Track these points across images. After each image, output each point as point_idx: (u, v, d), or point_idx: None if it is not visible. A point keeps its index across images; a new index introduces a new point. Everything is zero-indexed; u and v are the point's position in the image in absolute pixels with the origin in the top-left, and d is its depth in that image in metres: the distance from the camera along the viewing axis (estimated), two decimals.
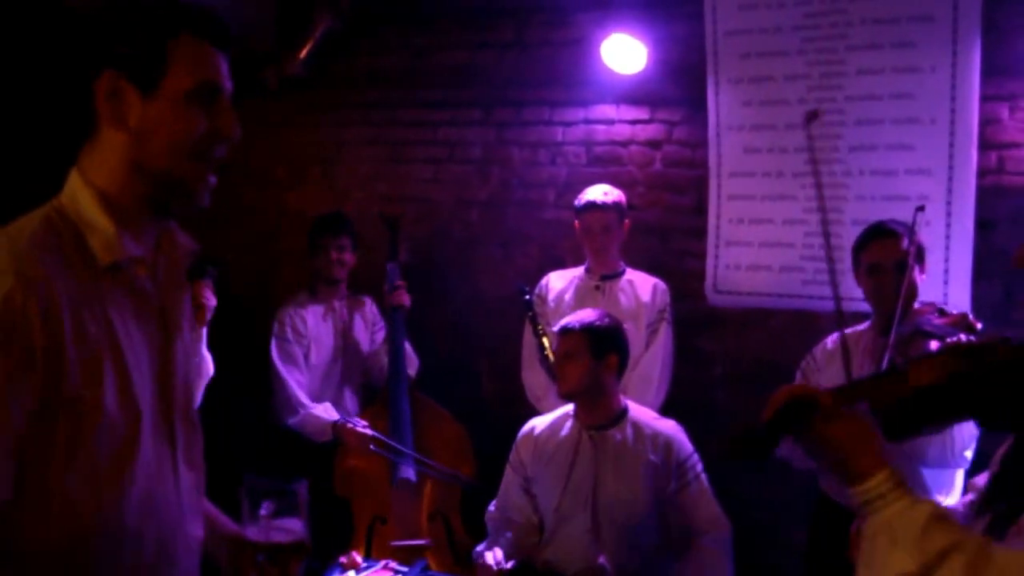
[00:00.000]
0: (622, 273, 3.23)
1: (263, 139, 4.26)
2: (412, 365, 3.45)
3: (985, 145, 3.11)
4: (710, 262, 3.52)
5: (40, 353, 1.07)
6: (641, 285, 3.20)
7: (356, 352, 3.53)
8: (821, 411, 1.22)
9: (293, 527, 1.36)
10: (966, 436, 2.34)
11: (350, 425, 3.18)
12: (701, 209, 3.56)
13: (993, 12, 2.99)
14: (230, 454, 2.02)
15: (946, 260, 3.07)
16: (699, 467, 2.48)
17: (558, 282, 3.30)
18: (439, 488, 3.14)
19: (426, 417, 3.28)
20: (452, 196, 4.06)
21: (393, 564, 2.38)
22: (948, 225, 3.07)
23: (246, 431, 3.38)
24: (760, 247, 3.43)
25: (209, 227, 4.34)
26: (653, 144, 3.71)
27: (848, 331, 2.63)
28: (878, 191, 3.19)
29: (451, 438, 3.26)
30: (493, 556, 2.40)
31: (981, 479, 1.67)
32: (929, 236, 2.89)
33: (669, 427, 2.51)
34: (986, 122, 3.11)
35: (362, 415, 3.32)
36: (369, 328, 3.60)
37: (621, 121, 3.76)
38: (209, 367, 2.70)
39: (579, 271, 3.29)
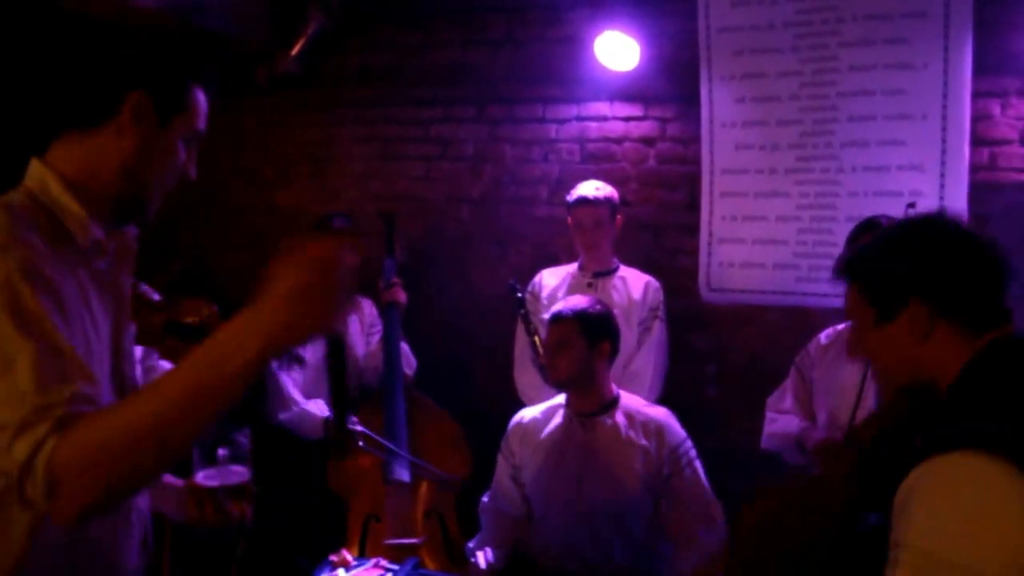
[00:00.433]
0: (615, 270, 3.23)
1: (255, 137, 4.25)
2: (410, 365, 3.43)
3: (977, 141, 3.12)
4: (703, 259, 3.52)
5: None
6: (634, 282, 3.20)
7: (350, 354, 3.51)
8: None
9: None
10: None
11: None
12: (694, 206, 3.55)
13: (985, 8, 3.00)
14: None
15: None
16: (692, 453, 2.46)
17: (551, 279, 3.30)
18: (434, 486, 3.13)
19: (423, 416, 3.27)
20: (445, 194, 4.06)
21: (384, 562, 2.36)
22: None
23: (238, 426, 3.36)
24: (753, 244, 3.42)
25: (201, 226, 4.38)
26: (646, 141, 3.71)
27: (840, 327, 2.64)
28: (871, 187, 3.19)
29: (448, 437, 3.25)
30: (484, 556, 2.39)
31: None
32: None
33: (661, 414, 2.51)
34: (978, 118, 3.12)
35: (357, 412, 3.30)
36: (365, 331, 3.58)
37: (614, 118, 3.76)
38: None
39: (572, 268, 3.29)
